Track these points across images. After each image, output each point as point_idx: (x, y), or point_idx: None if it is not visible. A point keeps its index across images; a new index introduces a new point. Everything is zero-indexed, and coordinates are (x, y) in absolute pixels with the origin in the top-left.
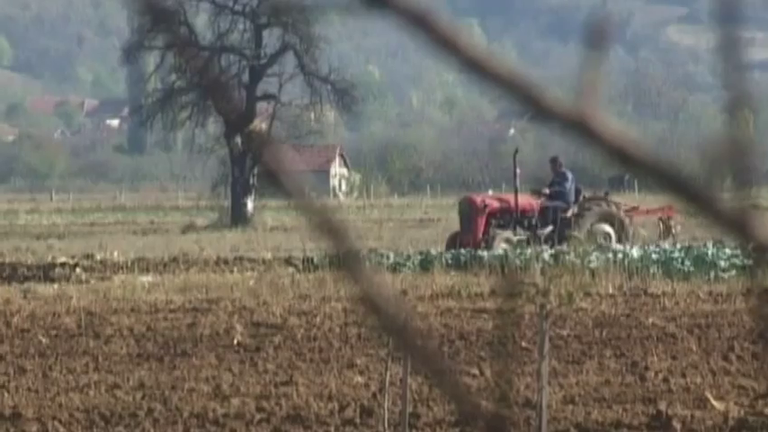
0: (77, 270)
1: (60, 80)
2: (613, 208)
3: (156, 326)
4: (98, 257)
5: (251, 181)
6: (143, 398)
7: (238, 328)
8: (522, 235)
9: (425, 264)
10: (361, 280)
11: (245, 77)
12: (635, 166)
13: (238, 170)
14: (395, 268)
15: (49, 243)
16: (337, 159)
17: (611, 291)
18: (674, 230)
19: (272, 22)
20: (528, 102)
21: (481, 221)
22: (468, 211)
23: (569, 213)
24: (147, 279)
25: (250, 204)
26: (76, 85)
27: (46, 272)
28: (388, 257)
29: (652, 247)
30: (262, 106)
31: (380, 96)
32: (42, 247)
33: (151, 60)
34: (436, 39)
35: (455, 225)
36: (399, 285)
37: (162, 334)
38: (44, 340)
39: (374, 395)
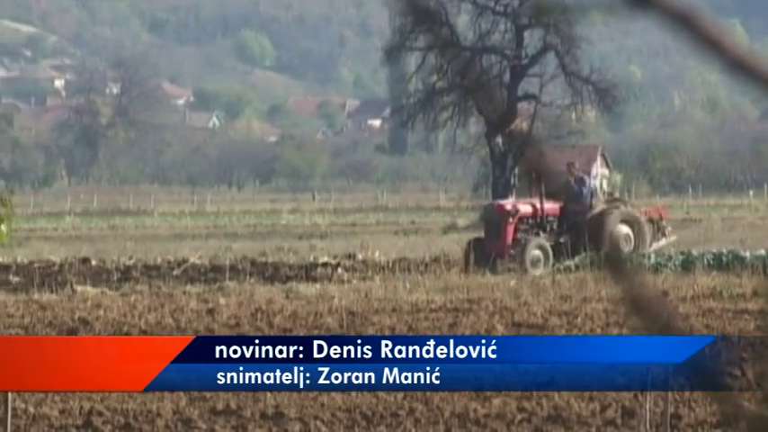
0: (339, 270)
1: (322, 81)
2: (633, 210)
3: (417, 326)
4: (360, 257)
5: (512, 181)
6: (404, 398)
7: (499, 328)
8: (550, 241)
9: (687, 264)
10: (624, 281)
11: (507, 78)
12: None
13: (499, 170)
14: (656, 268)
15: (311, 243)
16: (599, 159)
17: None
18: (666, 231)
19: (534, 22)
20: None
21: (510, 228)
22: (497, 217)
23: (588, 216)
24: (408, 279)
25: None
26: (338, 86)
27: (308, 272)
28: (649, 258)
29: None
30: (523, 106)
31: (642, 96)
32: (304, 247)
33: (412, 61)
34: (700, 38)
35: (716, 225)
36: (661, 286)
37: (423, 333)
38: None
39: (635, 396)
